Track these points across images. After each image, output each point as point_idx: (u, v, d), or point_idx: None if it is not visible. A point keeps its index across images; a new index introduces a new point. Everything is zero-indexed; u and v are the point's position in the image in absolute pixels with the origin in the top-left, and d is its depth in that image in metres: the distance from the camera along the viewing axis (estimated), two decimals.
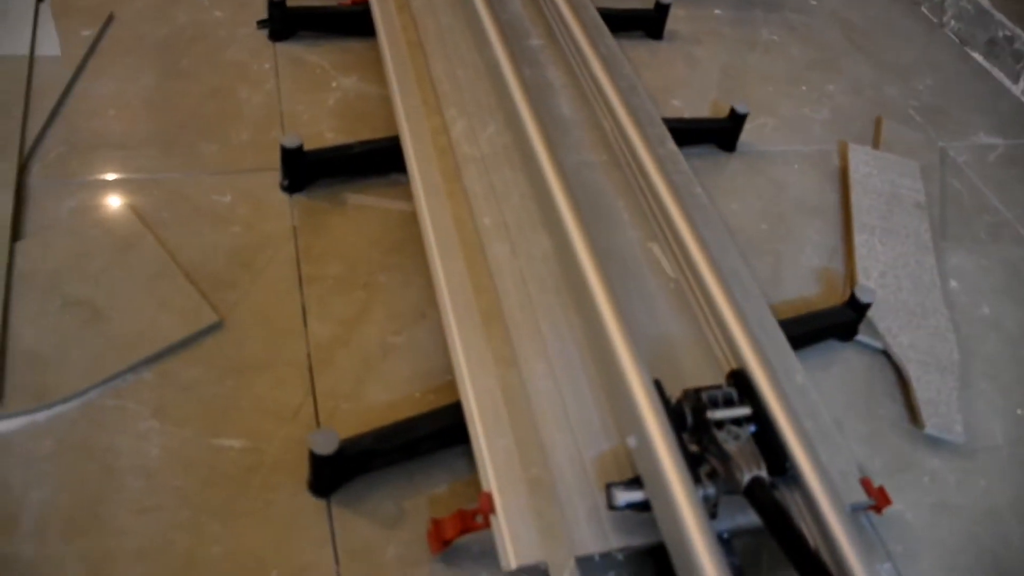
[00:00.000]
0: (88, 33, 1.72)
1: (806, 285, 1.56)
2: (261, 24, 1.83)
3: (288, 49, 1.80)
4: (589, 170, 1.53)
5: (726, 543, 1.09)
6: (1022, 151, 2.02)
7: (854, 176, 1.77)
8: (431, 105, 1.56)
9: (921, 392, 1.40)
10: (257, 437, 1.15)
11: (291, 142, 1.44)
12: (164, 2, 1.87)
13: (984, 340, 1.55)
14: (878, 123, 1.97)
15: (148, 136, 1.55)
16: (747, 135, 1.81)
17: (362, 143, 1.54)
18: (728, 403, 1.04)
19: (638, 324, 1.25)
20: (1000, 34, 2.23)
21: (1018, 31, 2.18)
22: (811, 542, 1.00)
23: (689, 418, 1.04)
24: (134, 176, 1.47)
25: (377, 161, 1.55)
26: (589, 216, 1.34)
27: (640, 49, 2.04)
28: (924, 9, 2.47)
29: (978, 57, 2.30)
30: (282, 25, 1.81)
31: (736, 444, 1.00)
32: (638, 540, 1.03)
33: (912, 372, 1.42)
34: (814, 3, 2.32)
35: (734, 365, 1.17)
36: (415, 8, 1.78)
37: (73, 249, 1.31)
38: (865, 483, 1.19)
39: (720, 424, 1.02)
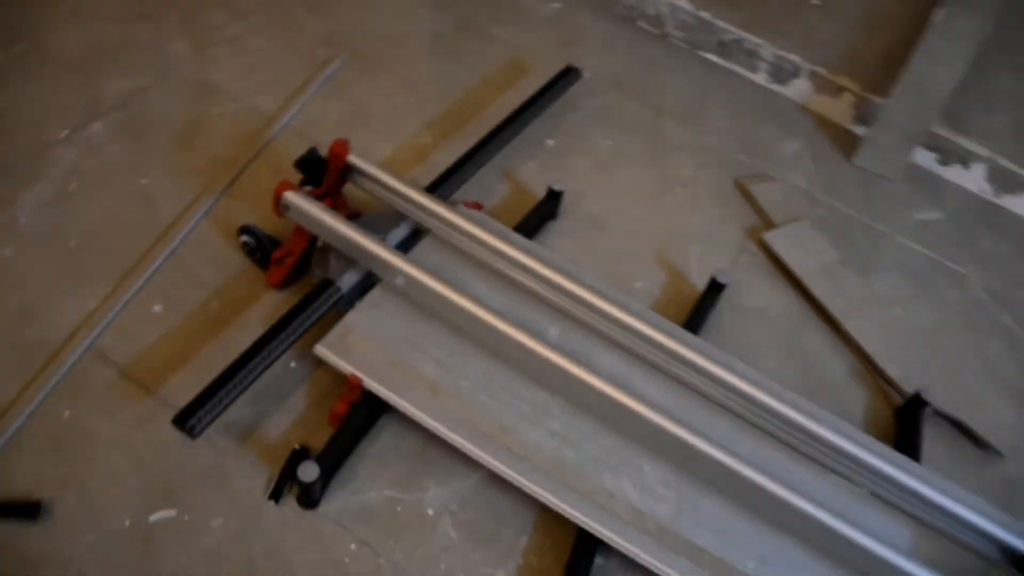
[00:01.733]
0: None
1: (856, 406, 1.88)
2: (275, 496, 1.46)
3: (342, 505, 1.48)
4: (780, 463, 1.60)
5: None
6: (816, 144, 2.45)
7: (797, 269, 2.04)
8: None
9: None
10: None
11: None
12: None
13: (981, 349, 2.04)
14: (744, 191, 2.23)
15: None
16: (700, 281, 1.97)
17: None
18: None
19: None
20: (727, 38, 2.53)
21: (743, 34, 2.51)
22: None
23: None
24: None
25: None
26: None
27: (551, 239, 1.99)
28: (643, 24, 2.65)
29: (715, 59, 2.60)
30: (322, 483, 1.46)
31: None
32: None
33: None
34: (588, 75, 2.37)
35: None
36: (436, 380, 1.55)
37: None
38: None
39: None
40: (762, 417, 1.63)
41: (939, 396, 1.86)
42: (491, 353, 1.60)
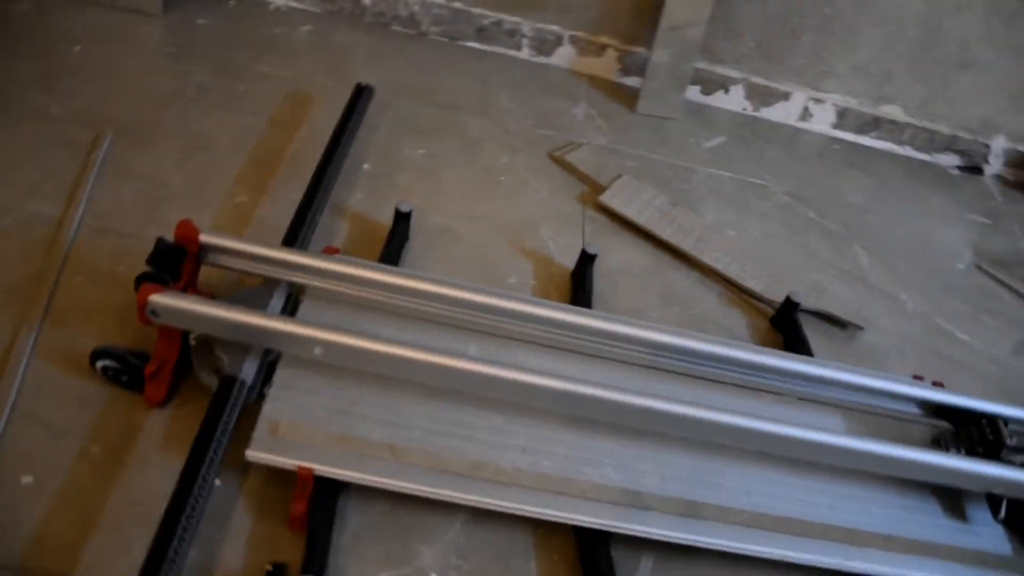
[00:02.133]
0: None
1: (739, 327, 2.02)
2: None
3: None
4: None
5: None
6: (597, 103, 2.55)
7: (640, 221, 2.13)
8: None
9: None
10: None
11: None
12: None
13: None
14: (561, 163, 2.28)
15: None
16: (564, 258, 2.01)
17: None
18: None
19: None
20: (485, 23, 2.55)
21: (500, 15, 2.54)
22: None
23: None
24: None
25: None
26: None
27: (415, 260, 1.90)
28: (398, 27, 2.58)
29: (478, 45, 2.60)
30: None
31: None
32: None
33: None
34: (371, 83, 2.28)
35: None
36: (389, 440, 1.43)
37: None
38: None
39: None
40: (687, 362, 1.69)
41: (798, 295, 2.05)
42: (427, 393, 1.51)
